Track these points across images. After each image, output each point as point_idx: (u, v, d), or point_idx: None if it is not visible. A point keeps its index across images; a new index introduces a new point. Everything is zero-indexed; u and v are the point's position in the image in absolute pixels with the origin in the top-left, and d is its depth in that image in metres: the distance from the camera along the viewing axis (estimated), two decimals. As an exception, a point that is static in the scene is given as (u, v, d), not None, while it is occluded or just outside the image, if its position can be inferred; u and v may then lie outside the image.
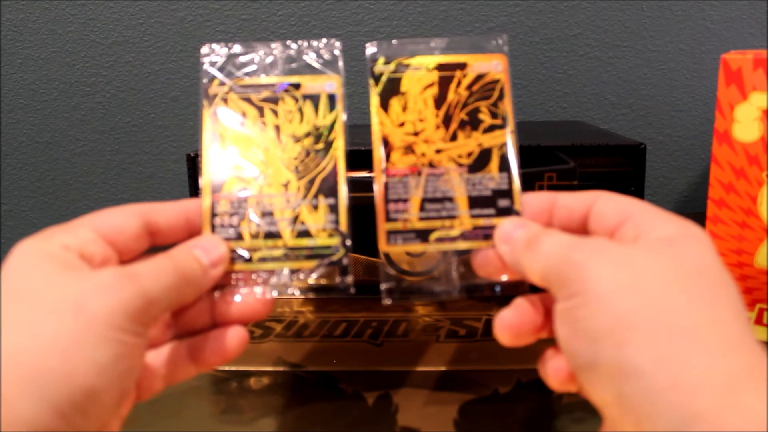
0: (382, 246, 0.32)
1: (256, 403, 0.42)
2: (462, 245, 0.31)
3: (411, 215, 0.32)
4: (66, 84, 0.85)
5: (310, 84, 0.33)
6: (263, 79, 0.33)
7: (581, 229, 0.30)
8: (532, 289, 0.30)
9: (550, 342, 0.29)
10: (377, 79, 0.33)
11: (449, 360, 0.46)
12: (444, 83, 0.33)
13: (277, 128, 0.33)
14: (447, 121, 0.33)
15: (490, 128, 0.33)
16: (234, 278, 0.31)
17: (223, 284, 0.31)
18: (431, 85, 0.33)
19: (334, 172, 0.32)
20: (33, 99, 0.86)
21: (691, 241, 0.26)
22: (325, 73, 0.33)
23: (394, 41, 0.33)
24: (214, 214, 0.31)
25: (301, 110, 0.33)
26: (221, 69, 0.33)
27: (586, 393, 0.26)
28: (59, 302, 0.24)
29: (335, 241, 0.31)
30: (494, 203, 0.32)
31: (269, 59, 0.33)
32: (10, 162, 0.88)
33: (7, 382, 0.22)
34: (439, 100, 0.33)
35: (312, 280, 0.31)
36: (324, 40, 0.33)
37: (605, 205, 0.29)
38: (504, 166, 0.32)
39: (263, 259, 0.31)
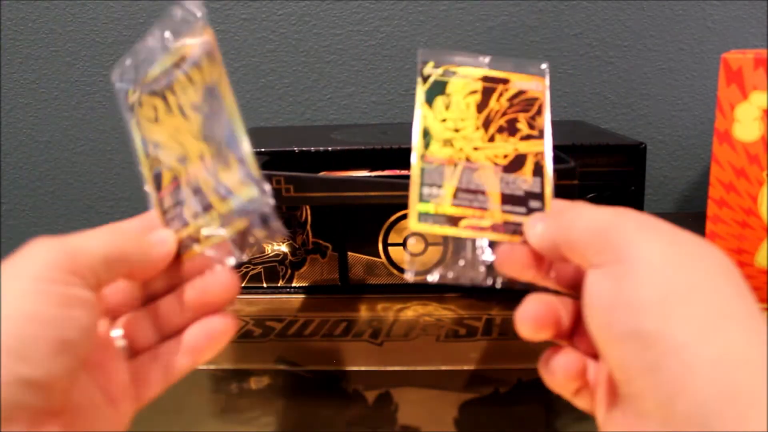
0: (412, 224, 0.32)
1: (256, 402, 0.42)
2: (491, 236, 0.32)
3: (444, 200, 0.33)
4: (66, 83, 0.85)
5: (190, 51, 0.32)
6: (158, 67, 0.33)
7: None
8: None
9: (548, 344, 0.29)
10: (425, 79, 0.35)
11: (449, 359, 0.46)
12: (487, 92, 0.35)
13: (180, 107, 0.32)
14: (486, 124, 0.34)
15: (527, 137, 0.34)
16: (198, 263, 0.31)
17: (189, 276, 0.31)
18: (474, 92, 0.35)
19: (231, 126, 0.31)
20: (33, 98, 0.86)
21: (718, 251, 0.27)
22: (196, 33, 0.33)
23: (443, 50, 0.35)
24: (164, 212, 0.32)
25: (190, 78, 0.32)
26: (130, 78, 0.34)
27: (609, 364, 0.26)
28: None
29: (254, 190, 0.30)
30: (526, 203, 0.32)
31: (154, 46, 0.33)
32: (10, 161, 0.88)
33: None
34: (481, 106, 0.34)
35: (252, 239, 0.31)
36: (184, 3, 0.33)
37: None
38: (538, 171, 0.33)
39: (208, 236, 0.31)
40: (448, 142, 0.34)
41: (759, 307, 0.25)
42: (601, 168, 0.58)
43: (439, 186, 0.33)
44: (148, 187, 0.33)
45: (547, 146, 0.34)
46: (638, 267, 0.25)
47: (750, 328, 0.23)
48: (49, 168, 0.88)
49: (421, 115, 0.34)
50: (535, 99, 0.35)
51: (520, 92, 0.35)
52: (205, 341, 0.30)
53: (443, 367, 0.45)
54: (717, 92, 0.45)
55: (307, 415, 0.41)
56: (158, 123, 0.33)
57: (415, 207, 0.33)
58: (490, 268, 0.32)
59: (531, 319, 0.29)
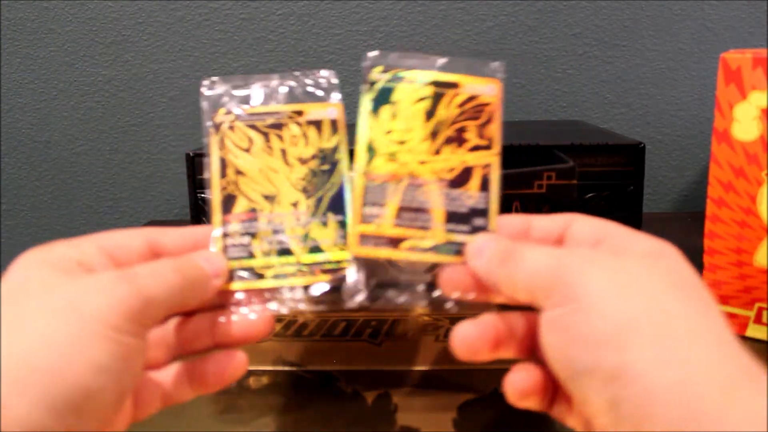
0: (353, 248, 0.32)
1: (256, 402, 0.42)
2: (432, 258, 0.31)
3: (385, 221, 0.31)
4: (65, 83, 0.85)
5: (313, 111, 0.34)
6: (267, 107, 0.34)
7: None
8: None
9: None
10: (371, 85, 0.33)
11: (449, 359, 0.46)
12: (436, 99, 0.33)
13: (284, 152, 0.34)
14: (434, 135, 0.33)
15: (476, 148, 0.33)
16: (245, 297, 0.31)
17: (228, 304, 0.31)
18: (423, 98, 0.33)
19: (341, 190, 0.33)
20: (32, 98, 0.86)
21: (671, 256, 0.26)
22: (326, 100, 0.34)
23: (393, 53, 0.34)
24: (225, 235, 0.32)
25: (305, 135, 0.34)
26: (223, 100, 0.34)
27: (575, 400, 0.26)
28: (54, 303, 0.24)
29: (347, 254, 0.32)
30: (470, 221, 0.32)
31: (269, 90, 0.34)
32: (9, 161, 0.88)
33: (2, 381, 0.22)
34: (429, 114, 0.33)
35: (321, 291, 0.32)
36: (323, 71, 0.35)
37: (581, 227, 0.29)
38: (485, 186, 0.32)
39: (277, 276, 0.32)
40: (392, 156, 0.32)
41: (718, 313, 0.24)
42: (600, 168, 0.58)
43: (381, 205, 0.32)
44: (213, 206, 0.33)
45: (495, 157, 0.33)
46: (588, 303, 0.24)
47: (707, 343, 0.23)
48: (48, 168, 0.88)
49: (366, 127, 0.33)
50: (487, 105, 0.33)
51: (471, 97, 0.33)
52: (215, 379, 0.30)
53: (443, 367, 0.45)
54: (716, 92, 0.45)
55: (306, 415, 0.41)
56: (250, 154, 0.33)
57: (356, 229, 0.32)
58: (432, 288, 0.31)
59: (463, 341, 0.28)
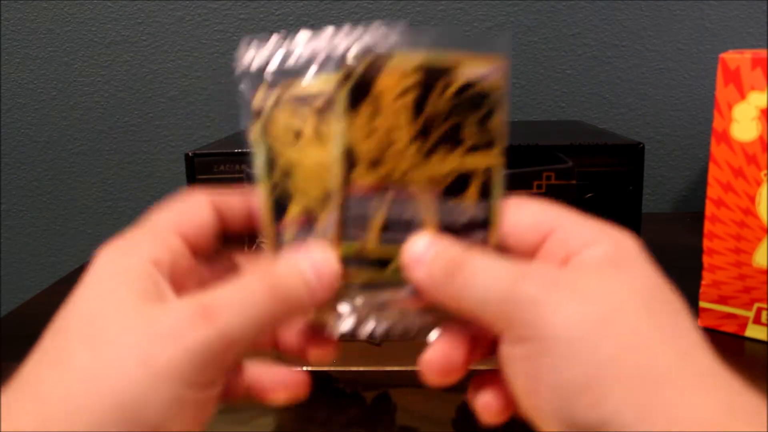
0: None
1: (256, 402, 0.42)
2: None
3: (370, 239, 0.27)
4: (64, 83, 0.85)
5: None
6: (318, 83, 0.27)
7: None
8: None
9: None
10: (347, 76, 0.26)
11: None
12: (426, 88, 0.27)
13: None
14: (424, 134, 0.27)
15: (474, 148, 0.27)
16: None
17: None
18: (410, 88, 0.27)
19: None
20: (31, 98, 0.86)
21: (633, 259, 0.24)
22: None
23: (371, 31, 0.27)
24: (276, 246, 0.28)
25: None
26: (265, 73, 0.28)
27: None
28: (124, 351, 0.22)
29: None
30: (467, 235, 0.27)
31: (320, 54, 0.27)
32: (8, 161, 0.88)
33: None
34: (418, 109, 0.27)
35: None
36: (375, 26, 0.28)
37: (518, 217, 0.26)
38: (485, 193, 0.27)
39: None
40: (376, 163, 0.27)
41: (694, 333, 0.22)
42: (599, 168, 0.58)
43: (365, 221, 0.27)
44: (263, 213, 0.28)
45: (497, 159, 0.27)
46: (554, 345, 0.21)
47: (691, 383, 0.21)
48: (47, 168, 0.88)
49: (344, 129, 0.26)
50: (489, 92, 0.27)
51: (469, 84, 0.27)
52: (271, 394, 0.27)
53: (442, 367, 0.45)
54: (715, 92, 0.45)
55: (304, 415, 0.41)
56: (297, 149, 0.28)
57: (337, 250, 0.27)
58: (426, 315, 0.27)
59: (434, 370, 0.26)
